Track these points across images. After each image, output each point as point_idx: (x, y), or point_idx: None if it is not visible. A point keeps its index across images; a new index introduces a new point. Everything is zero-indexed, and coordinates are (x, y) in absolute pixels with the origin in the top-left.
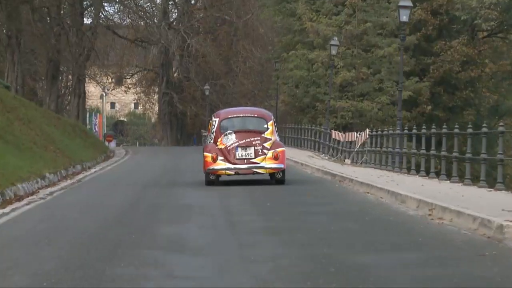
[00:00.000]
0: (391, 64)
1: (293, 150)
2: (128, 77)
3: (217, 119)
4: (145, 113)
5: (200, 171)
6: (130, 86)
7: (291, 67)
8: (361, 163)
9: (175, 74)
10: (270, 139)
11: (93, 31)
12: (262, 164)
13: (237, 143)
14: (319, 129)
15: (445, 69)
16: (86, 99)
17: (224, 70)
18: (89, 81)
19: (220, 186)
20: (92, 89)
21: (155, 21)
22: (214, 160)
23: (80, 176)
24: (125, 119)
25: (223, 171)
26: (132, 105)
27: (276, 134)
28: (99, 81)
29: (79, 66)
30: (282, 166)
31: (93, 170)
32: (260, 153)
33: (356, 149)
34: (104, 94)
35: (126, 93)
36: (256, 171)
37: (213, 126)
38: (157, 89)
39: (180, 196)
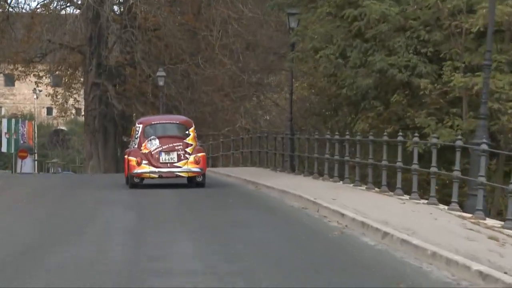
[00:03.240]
0: None
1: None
2: (37, 59)
3: (141, 125)
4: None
5: None
6: (42, 73)
7: None
8: None
9: (110, 55)
10: (191, 145)
11: None
12: (184, 168)
13: (161, 148)
14: (462, 144)
15: None
16: (16, 103)
17: (188, 49)
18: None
19: None
20: (25, 91)
21: None
22: (139, 164)
23: None
24: (65, 128)
25: (147, 174)
26: (74, 110)
27: (196, 140)
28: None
29: None
30: (202, 170)
31: None
32: (182, 157)
33: None
34: (35, 95)
35: (37, 86)
36: (178, 175)
37: (137, 132)
38: (82, 79)
39: None
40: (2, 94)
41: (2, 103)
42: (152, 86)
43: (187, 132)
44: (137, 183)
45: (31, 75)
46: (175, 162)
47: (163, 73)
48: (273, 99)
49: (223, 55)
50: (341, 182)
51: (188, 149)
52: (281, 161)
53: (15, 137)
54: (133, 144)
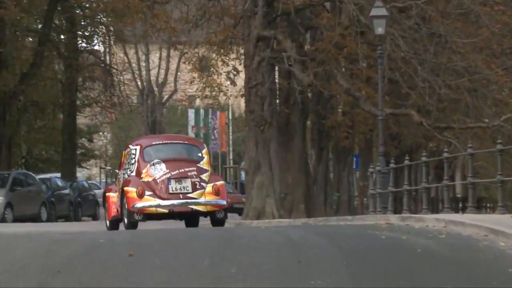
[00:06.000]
0: None
1: None
2: None
3: (137, 147)
4: None
5: None
6: (175, 24)
7: None
8: None
9: None
10: (207, 171)
11: None
12: (201, 200)
13: (169, 174)
14: None
15: None
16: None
17: None
18: None
19: None
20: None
21: None
22: (141, 195)
23: None
24: None
25: (154, 209)
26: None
27: (211, 165)
28: None
29: None
30: (224, 202)
31: None
32: (198, 186)
33: None
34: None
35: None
36: (195, 208)
37: (132, 156)
38: (243, 32)
39: None
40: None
41: (193, 91)
42: (363, 43)
43: (199, 154)
44: (137, 220)
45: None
46: (189, 192)
47: (384, 12)
48: None
49: None
50: None
51: (204, 176)
52: None
53: (204, 131)
54: (127, 172)
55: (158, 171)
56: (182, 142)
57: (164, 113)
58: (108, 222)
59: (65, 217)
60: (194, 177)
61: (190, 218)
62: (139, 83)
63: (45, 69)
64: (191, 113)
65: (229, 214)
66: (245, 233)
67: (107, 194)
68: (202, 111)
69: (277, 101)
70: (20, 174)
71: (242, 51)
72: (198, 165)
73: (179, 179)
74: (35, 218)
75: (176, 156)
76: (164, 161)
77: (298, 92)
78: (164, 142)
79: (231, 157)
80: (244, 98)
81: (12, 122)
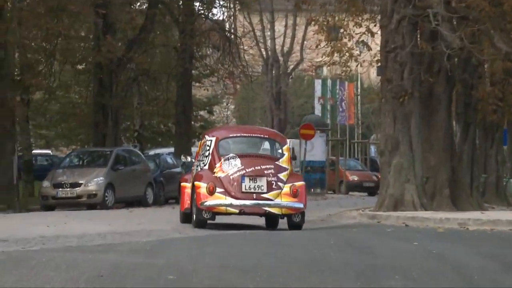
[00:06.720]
0: None
1: None
2: None
3: (213, 139)
4: None
5: None
6: None
7: None
8: None
9: None
10: (286, 169)
11: None
12: (277, 202)
13: (244, 171)
14: None
15: None
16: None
17: None
18: None
19: None
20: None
21: None
22: (211, 192)
23: None
24: None
25: (223, 208)
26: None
27: (292, 163)
28: None
29: None
30: (302, 205)
31: None
32: (274, 186)
33: None
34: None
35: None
36: (269, 211)
37: (206, 148)
38: None
39: None
40: (316, 44)
41: (320, 60)
42: None
43: (280, 151)
44: (206, 219)
45: None
46: (263, 193)
47: None
48: None
49: None
50: None
51: (282, 175)
52: None
53: (331, 102)
54: (200, 165)
55: (232, 167)
56: (262, 136)
57: (290, 84)
58: (181, 213)
59: (176, 198)
60: (271, 175)
61: (270, 220)
62: (263, 52)
63: (157, 34)
64: (317, 83)
65: (359, 193)
66: (385, 251)
67: (182, 184)
68: (329, 81)
69: (419, 68)
70: (124, 151)
71: (377, 9)
72: (277, 162)
73: (254, 177)
74: (140, 201)
75: (253, 151)
76: (240, 156)
77: (446, 57)
78: (242, 135)
79: (359, 131)
80: (379, 65)
81: (119, 93)
